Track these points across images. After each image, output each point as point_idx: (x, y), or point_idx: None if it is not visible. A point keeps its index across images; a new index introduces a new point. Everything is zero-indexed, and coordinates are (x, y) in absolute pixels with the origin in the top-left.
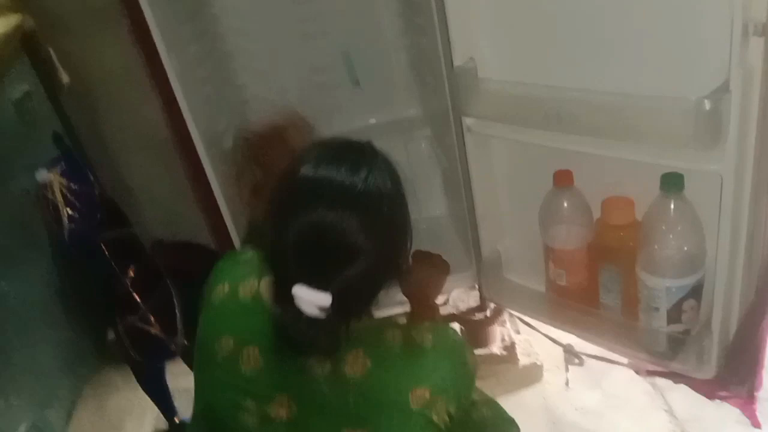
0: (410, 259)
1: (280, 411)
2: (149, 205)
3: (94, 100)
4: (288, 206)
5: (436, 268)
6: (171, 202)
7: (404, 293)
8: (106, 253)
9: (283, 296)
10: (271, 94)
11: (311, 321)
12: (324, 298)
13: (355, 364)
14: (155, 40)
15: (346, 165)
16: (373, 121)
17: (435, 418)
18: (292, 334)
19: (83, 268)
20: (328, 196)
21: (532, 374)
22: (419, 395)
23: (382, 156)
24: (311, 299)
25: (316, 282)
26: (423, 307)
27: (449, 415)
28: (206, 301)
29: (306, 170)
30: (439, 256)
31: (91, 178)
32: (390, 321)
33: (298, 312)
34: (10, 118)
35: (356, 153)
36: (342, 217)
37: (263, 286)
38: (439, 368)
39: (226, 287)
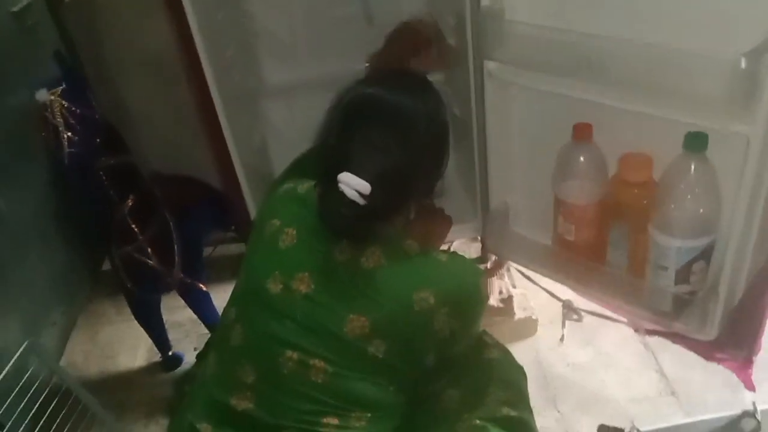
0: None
1: (300, 285)
2: (150, 133)
3: (95, 13)
4: (343, 118)
5: (438, 221)
6: (173, 132)
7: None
8: (105, 179)
9: (329, 182)
10: (280, 26)
11: (352, 205)
12: (365, 186)
13: (371, 258)
14: None
15: (402, 87)
16: None
17: (435, 325)
18: (333, 216)
19: (80, 194)
20: (380, 109)
21: (527, 328)
22: (423, 297)
23: (435, 90)
24: (354, 184)
25: (361, 171)
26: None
27: (451, 331)
28: (269, 194)
29: (360, 90)
30: (442, 209)
31: (92, 100)
32: (414, 235)
33: (342, 195)
34: (10, 29)
35: (410, 79)
36: (394, 101)
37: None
38: (447, 280)
39: (289, 184)
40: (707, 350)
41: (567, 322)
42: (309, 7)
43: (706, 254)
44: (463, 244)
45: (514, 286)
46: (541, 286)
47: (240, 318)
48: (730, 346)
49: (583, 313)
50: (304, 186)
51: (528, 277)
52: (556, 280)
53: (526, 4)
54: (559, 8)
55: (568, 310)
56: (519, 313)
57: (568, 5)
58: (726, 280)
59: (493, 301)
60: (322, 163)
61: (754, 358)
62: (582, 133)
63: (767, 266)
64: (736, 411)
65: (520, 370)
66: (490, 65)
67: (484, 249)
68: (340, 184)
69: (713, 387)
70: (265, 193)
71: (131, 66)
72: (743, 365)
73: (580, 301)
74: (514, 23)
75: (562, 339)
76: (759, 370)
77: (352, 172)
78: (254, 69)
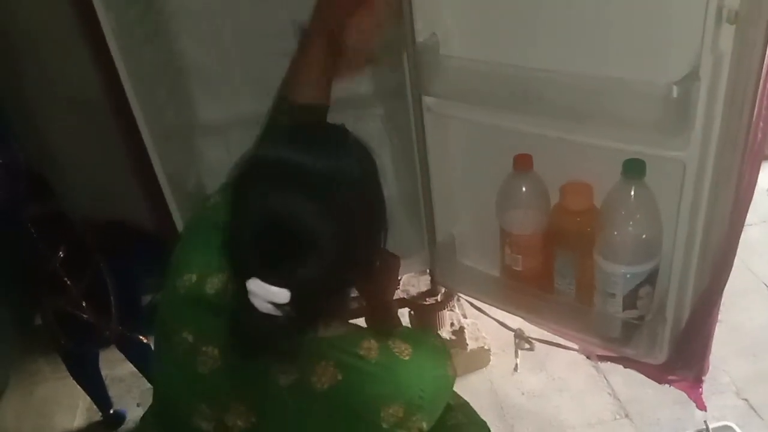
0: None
1: (237, 420)
2: (78, 178)
3: (14, 56)
4: (244, 190)
5: (386, 270)
6: (103, 176)
7: (359, 290)
8: (33, 230)
9: (240, 290)
10: (212, 62)
11: (267, 318)
12: (279, 294)
13: (324, 376)
14: None
15: (310, 146)
16: None
17: None
18: (245, 337)
19: (6, 247)
20: (285, 178)
21: (480, 359)
22: (392, 413)
23: (354, 141)
24: (265, 294)
25: (272, 276)
26: (379, 306)
27: (428, 427)
28: (170, 285)
29: (264, 151)
30: (386, 252)
31: (15, 147)
32: (365, 331)
33: (253, 308)
34: None
35: (323, 135)
36: (299, 202)
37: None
38: (416, 383)
39: (194, 277)
40: (658, 373)
41: (520, 351)
42: (242, 42)
43: (651, 279)
44: (411, 278)
45: (465, 317)
46: (491, 316)
47: None
48: (679, 367)
49: (534, 342)
50: (214, 283)
51: (478, 308)
52: (506, 310)
53: (461, 39)
54: (494, 41)
55: (520, 339)
56: (471, 344)
57: (502, 38)
58: (672, 304)
59: (445, 333)
60: (228, 262)
61: (703, 377)
62: (522, 163)
63: (711, 286)
64: (689, 431)
65: (484, 427)
66: (428, 99)
67: (433, 282)
68: (249, 295)
69: (665, 405)
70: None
71: (55, 109)
72: (693, 385)
73: (530, 328)
74: (448, 58)
75: (516, 369)
76: (708, 388)
77: (262, 276)
78: (187, 107)
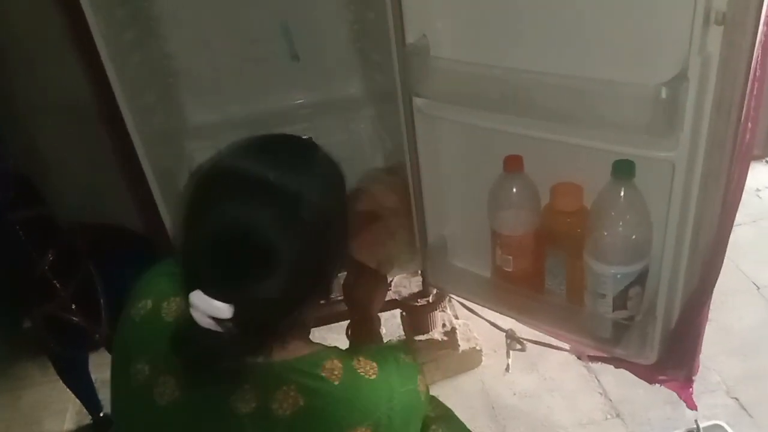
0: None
1: None
2: (67, 181)
3: (4, 59)
4: (199, 197)
5: (375, 280)
6: (92, 178)
7: (346, 302)
8: (21, 234)
9: (186, 302)
10: (201, 66)
11: (207, 334)
12: (221, 309)
13: (285, 402)
14: None
15: (274, 159)
16: (311, 98)
17: None
18: (184, 352)
19: None
20: (243, 189)
21: (472, 359)
22: None
23: (322, 157)
24: (206, 308)
25: (216, 290)
26: (364, 318)
27: None
28: (125, 314)
29: (225, 160)
30: (375, 272)
31: (2, 150)
32: (328, 351)
33: (194, 322)
34: None
35: (290, 148)
36: (255, 215)
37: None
38: (383, 402)
39: (149, 303)
40: (649, 373)
41: (512, 352)
42: (231, 45)
43: (641, 279)
44: (403, 279)
45: (456, 317)
46: (482, 317)
47: None
48: (670, 367)
49: (526, 342)
50: (171, 307)
51: (469, 309)
52: (498, 311)
53: (451, 41)
54: (484, 43)
55: (512, 339)
56: (463, 345)
57: (492, 40)
58: (662, 304)
59: (437, 334)
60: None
61: (693, 377)
62: (512, 165)
63: (701, 286)
64: (680, 430)
65: None
66: (418, 101)
67: (425, 283)
68: (190, 309)
69: (656, 405)
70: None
71: (44, 113)
72: (684, 385)
73: (522, 328)
74: (438, 59)
75: (507, 369)
76: (699, 387)
77: (206, 288)
78: (176, 110)
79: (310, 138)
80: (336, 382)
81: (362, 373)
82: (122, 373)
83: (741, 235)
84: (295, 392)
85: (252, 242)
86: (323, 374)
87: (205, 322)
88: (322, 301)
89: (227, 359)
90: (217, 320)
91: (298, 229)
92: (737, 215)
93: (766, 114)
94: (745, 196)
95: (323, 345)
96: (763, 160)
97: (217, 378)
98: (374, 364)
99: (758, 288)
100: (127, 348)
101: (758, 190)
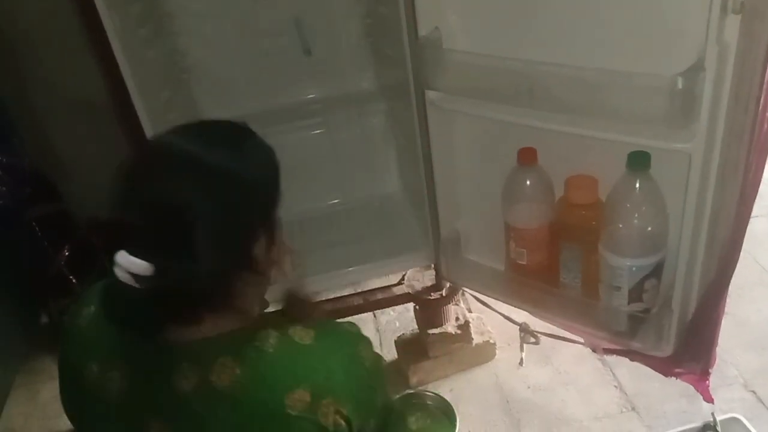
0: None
1: None
2: (83, 179)
3: (18, 57)
4: (131, 171)
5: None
6: (108, 176)
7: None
8: (38, 230)
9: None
10: (215, 61)
11: (131, 290)
12: (139, 265)
13: (223, 373)
14: None
15: (201, 137)
16: (324, 93)
17: (323, 420)
18: (115, 309)
19: (12, 247)
20: (172, 162)
21: (486, 352)
22: (297, 398)
23: (254, 140)
24: (126, 265)
25: (138, 250)
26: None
27: (346, 418)
28: (70, 324)
29: (158, 138)
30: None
31: (19, 147)
32: (265, 322)
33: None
34: None
35: (219, 129)
36: (177, 184)
37: None
38: (321, 366)
39: (92, 308)
40: (665, 366)
41: (525, 345)
42: (244, 41)
43: (657, 271)
44: (416, 272)
45: (470, 311)
46: (496, 310)
47: None
48: (686, 360)
49: (540, 335)
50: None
51: (482, 302)
52: (512, 305)
53: (464, 33)
54: (498, 36)
55: (526, 333)
56: (476, 338)
57: (506, 32)
58: (678, 296)
59: (450, 328)
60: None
61: (710, 370)
62: (527, 157)
63: (718, 279)
64: (696, 423)
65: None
66: (431, 94)
67: (438, 276)
68: (114, 267)
69: (671, 398)
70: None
71: (59, 109)
72: (700, 378)
73: (535, 321)
74: (452, 52)
75: (521, 363)
76: (715, 380)
77: (129, 248)
78: (191, 106)
79: (245, 123)
80: (270, 350)
81: (297, 339)
82: (74, 382)
83: (758, 227)
84: (231, 362)
85: (173, 209)
86: (257, 343)
87: (126, 278)
88: (259, 281)
89: (153, 319)
90: (138, 277)
91: (219, 200)
92: (754, 207)
93: None
94: (763, 188)
95: (260, 319)
96: None
97: (157, 359)
98: (311, 332)
99: None
100: (77, 355)
101: None
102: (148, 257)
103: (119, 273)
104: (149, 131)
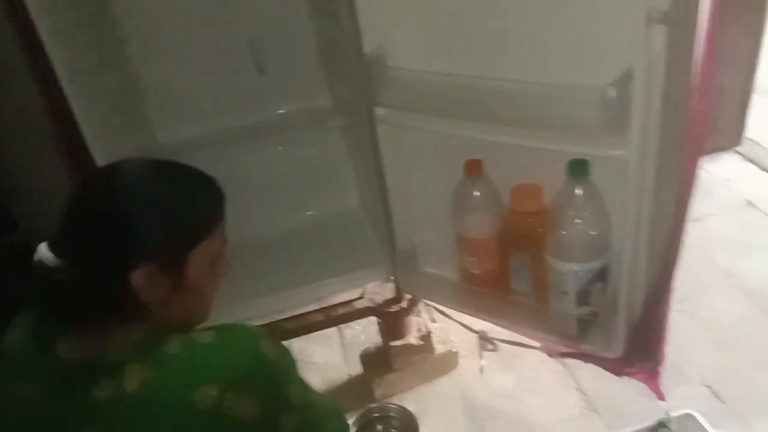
0: None
1: None
2: (41, 206)
3: None
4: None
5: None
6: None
7: None
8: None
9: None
10: (170, 84)
11: (45, 277)
12: (46, 255)
13: (132, 378)
14: (36, 26)
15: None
16: (281, 111)
17: (232, 413)
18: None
19: None
20: (115, 179)
21: (449, 362)
22: (206, 394)
23: (185, 173)
24: (40, 255)
25: (56, 245)
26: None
27: (259, 407)
28: None
29: (114, 163)
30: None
31: None
32: (169, 329)
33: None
34: None
35: (158, 164)
36: (111, 196)
37: None
38: (220, 362)
39: (20, 331)
40: (617, 366)
41: (484, 353)
42: (196, 62)
43: (602, 275)
44: (377, 286)
45: (433, 321)
46: (454, 320)
47: None
48: (637, 359)
49: (498, 342)
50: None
51: (442, 312)
52: (468, 313)
53: (409, 50)
54: (440, 52)
55: (484, 340)
56: (439, 348)
57: (447, 49)
58: (624, 298)
59: (413, 339)
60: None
61: (659, 368)
62: (473, 168)
63: (661, 279)
64: (650, 421)
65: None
66: (379, 110)
67: (397, 289)
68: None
69: (632, 397)
70: None
71: (11, 137)
72: (652, 376)
73: (495, 329)
74: (395, 69)
75: (481, 370)
76: (674, 379)
77: (50, 243)
78: (145, 130)
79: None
80: (175, 351)
81: (198, 340)
82: (4, 411)
83: (712, 226)
84: (140, 367)
85: (94, 216)
86: (162, 347)
87: (34, 264)
88: (192, 297)
89: (47, 294)
90: (50, 269)
91: (136, 215)
92: (708, 206)
93: (729, 105)
94: (715, 187)
95: (167, 327)
96: (732, 150)
97: (73, 373)
98: (210, 332)
99: (732, 278)
100: (5, 386)
101: (728, 179)
102: (57, 251)
103: (35, 261)
104: (100, 159)
